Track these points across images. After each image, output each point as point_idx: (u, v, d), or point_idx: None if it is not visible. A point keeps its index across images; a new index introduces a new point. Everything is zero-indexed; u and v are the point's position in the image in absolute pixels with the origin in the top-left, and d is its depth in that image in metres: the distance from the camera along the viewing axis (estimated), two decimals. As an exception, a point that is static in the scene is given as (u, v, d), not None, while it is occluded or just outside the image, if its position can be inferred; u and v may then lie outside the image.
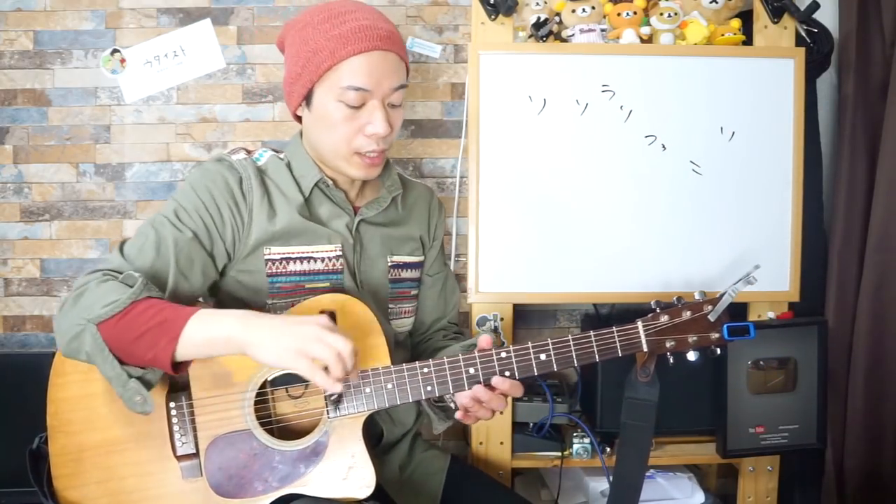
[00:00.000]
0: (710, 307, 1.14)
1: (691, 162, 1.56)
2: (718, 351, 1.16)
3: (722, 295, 1.14)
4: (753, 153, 1.57)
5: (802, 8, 1.55)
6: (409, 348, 1.38)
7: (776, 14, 1.56)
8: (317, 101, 1.17)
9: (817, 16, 1.59)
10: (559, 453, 1.59)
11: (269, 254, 1.19)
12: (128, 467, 1.11)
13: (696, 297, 1.16)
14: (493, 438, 1.58)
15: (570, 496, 1.66)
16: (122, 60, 1.83)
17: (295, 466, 1.11)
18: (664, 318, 1.14)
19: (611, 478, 1.54)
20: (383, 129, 1.15)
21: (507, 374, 1.11)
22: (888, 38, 1.66)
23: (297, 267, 1.20)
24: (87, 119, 1.84)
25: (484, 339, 1.13)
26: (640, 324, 1.14)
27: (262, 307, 1.20)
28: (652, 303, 1.16)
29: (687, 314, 1.14)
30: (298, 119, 1.27)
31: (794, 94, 1.56)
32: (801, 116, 1.57)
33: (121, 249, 1.13)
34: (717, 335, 1.15)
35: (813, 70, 1.64)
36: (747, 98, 1.56)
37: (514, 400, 1.60)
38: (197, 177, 1.18)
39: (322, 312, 1.10)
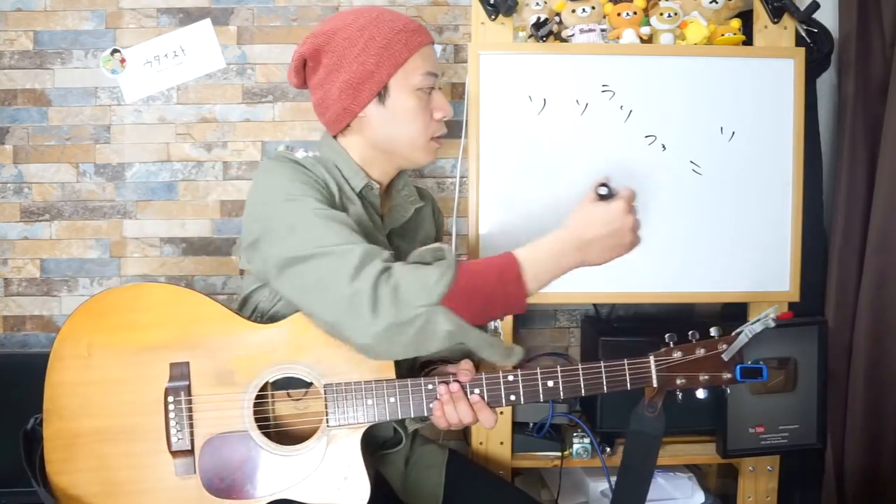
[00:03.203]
0: (724, 346, 1.13)
1: (691, 162, 1.56)
2: (728, 390, 1.16)
3: (737, 334, 1.13)
4: (753, 153, 1.57)
5: (802, 8, 1.55)
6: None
7: (776, 14, 1.56)
8: (393, 94, 1.19)
9: (817, 16, 1.58)
10: (559, 453, 1.59)
11: None
12: (121, 458, 1.10)
13: (713, 333, 1.15)
14: (493, 438, 1.58)
15: (570, 496, 1.66)
16: (122, 60, 1.83)
17: (289, 472, 1.11)
18: (677, 355, 1.13)
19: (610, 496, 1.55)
20: (450, 109, 1.25)
21: (513, 398, 1.11)
22: (888, 38, 1.66)
23: None
24: (87, 119, 1.84)
25: (462, 374, 1.11)
26: (652, 358, 1.13)
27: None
28: (666, 337, 1.15)
29: (700, 352, 1.13)
30: (340, 128, 1.24)
31: (794, 94, 1.56)
32: (801, 116, 1.57)
33: (338, 248, 1.04)
34: (729, 375, 1.13)
35: (813, 70, 1.64)
36: (747, 98, 1.56)
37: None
38: (286, 177, 1.12)
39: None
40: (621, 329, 1.74)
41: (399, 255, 1.20)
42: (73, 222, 1.86)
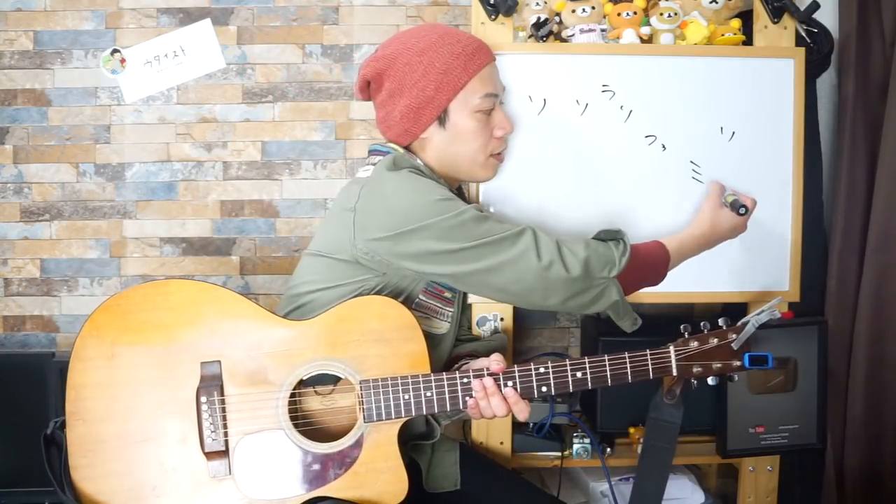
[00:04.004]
0: (734, 335, 1.20)
1: (691, 162, 1.56)
2: (736, 378, 1.22)
3: (745, 324, 1.20)
4: (753, 153, 1.57)
5: (802, 8, 1.55)
6: None
7: (776, 14, 1.56)
8: (453, 118, 1.25)
9: (817, 16, 1.58)
10: (559, 453, 1.59)
11: None
12: (151, 462, 1.08)
13: (720, 324, 1.21)
14: (493, 438, 1.58)
15: (570, 496, 1.66)
16: (122, 60, 1.83)
17: (326, 469, 1.10)
18: (694, 344, 1.20)
19: (612, 493, 1.55)
20: (511, 125, 1.33)
21: (545, 389, 1.16)
22: (888, 38, 1.66)
23: None
24: (87, 119, 1.85)
25: (494, 363, 1.16)
26: (671, 348, 1.20)
27: (410, 303, 1.23)
28: (681, 328, 1.21)
29: (714, 341, 1.20)
30: (403, 144, 1.30)
31: (794, 94, 1.56)
32: (801, 116, 1.57)
33: (516, 237, 1.16)
34: (738, 363, 1.20)
35: (813, 70, 1.64)
36: (747, 98, 1.56)
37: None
38: (429, 183, 1.20)
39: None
40: (621, 329, 1.74)
41: None
42: (73, 222, 1.86)
